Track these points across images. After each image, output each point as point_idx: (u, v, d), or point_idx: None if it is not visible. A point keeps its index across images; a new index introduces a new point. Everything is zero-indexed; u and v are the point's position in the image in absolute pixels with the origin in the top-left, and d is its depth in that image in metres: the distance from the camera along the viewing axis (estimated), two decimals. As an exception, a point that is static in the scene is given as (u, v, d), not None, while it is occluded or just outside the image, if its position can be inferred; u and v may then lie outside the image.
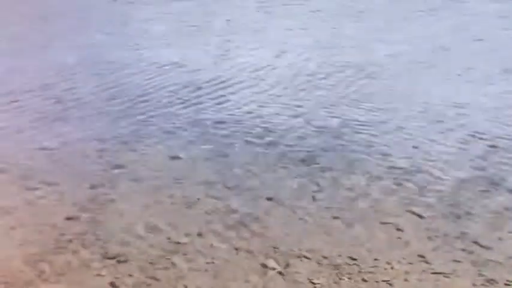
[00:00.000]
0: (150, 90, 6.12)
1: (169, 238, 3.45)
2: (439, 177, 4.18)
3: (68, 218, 3.65)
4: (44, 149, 4.69)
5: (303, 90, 6.07)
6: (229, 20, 9.32)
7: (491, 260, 3.24)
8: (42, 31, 8.86)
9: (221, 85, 6.24)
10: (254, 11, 9.99)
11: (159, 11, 10.03)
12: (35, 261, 3.21)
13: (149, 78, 6.51)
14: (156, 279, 3.06)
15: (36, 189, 4.02)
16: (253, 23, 9.10)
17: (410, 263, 3.21)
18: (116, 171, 4.28)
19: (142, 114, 5.43)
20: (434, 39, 7.92)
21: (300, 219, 3.66)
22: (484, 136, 4.85)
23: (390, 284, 3.03)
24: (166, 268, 3.16)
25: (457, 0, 10.31)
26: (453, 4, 10.11)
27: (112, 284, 3.02)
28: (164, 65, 7.00)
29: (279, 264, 3.20)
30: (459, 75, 6.47)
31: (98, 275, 3.10)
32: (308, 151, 4.62)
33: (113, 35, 8.52)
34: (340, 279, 3.08)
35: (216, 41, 8.08)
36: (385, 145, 4.71)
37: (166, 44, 8.02)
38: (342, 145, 4.73)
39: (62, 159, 4.49)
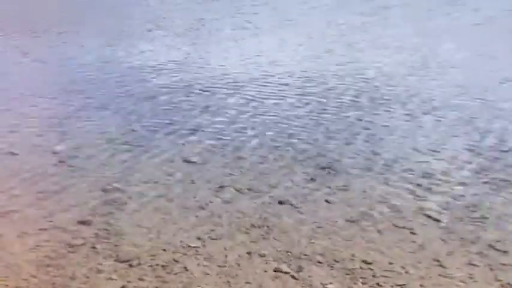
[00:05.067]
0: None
1: (181, 242, 3.42)
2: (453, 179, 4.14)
3: (80, 222, 3.63)
4: (56, 152, 4.67)
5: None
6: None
7: (507, 264, 3.19)
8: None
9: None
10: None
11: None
12: (47, 266, 3.19)
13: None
14: (168, 283, 3.03)
15: (48, 192, 4.01)
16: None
17: (425, 267, 3.16)
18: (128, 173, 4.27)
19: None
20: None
21: (313, 222, 3.62)
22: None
23: (405, 289, 2.99)
24: (178, 272, 3.13)
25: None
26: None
27: (123, 288, 3.00)
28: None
29: (291, 269, 3.16)
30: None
31: (110, 278, 3.08)
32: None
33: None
34: (354, 283, 3.04)
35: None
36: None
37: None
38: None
39: (73, 162, 4.48)
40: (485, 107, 5.58)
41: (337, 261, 3.22)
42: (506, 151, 4.59)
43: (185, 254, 3.29)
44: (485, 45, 7.82)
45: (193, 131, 5.11)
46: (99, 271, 3.14)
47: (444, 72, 6.74)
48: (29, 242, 3.42)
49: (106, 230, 3.55)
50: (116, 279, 3.07)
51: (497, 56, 7.32)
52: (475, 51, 7.58)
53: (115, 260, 3.24)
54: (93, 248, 3.36)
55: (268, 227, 3.58)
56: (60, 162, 4.49)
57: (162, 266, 3.18)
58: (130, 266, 3.18)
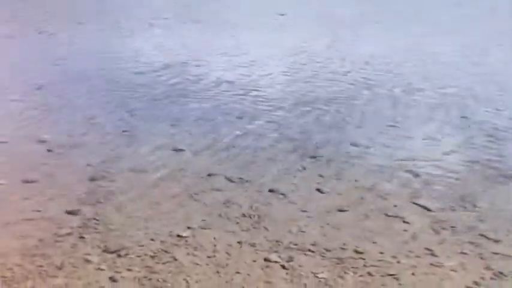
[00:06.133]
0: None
1: (170, 231, 3.37)
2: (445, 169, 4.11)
3: (68, 212, 3.58)
4: (43, 141, 4.61)
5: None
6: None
7: (499, 253, 3.17)
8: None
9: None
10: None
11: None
12: (33, 255, 3.13)
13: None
14: (157, 273, 2.98)
15: (35, 182, 3.94)
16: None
17: (417, 257, 3.13)
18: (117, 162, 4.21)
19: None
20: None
21: (303, 211, 3.59)
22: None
23: (397, 278, 2.95)
24: (167, 262, 3.08)
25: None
26: None
27: (112, 278, 2.94)
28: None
29: (282, 258, 3.12)
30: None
31: (98, 269, 3.02)
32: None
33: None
34: (345, 273, 3.00)
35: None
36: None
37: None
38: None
39: (61, 151, 4.42)
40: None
41: (328, 251, 3.18)
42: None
43: (174, 244, 3.25)
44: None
45: (183, 119, 5.06)
46: (87, 261, 3.09)
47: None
48: (16, 232, 3.35)
49: (94, 219, 3.49)
50: (104, 269, 3.01)
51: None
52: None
53: (103, 250, 3.18)
54: (81, 237, 3.30)
55: (258, 216, 3.54)
56: (48, 151, 4.43)
57: (151, 256, 3.13)
58: (119, 256, 3.13)
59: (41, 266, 3.04)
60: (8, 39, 8.14)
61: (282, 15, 9.74)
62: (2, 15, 9.92)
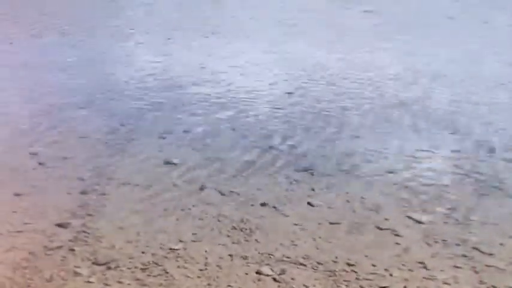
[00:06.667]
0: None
1: (161, 244, 3.35)
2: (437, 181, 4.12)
3: (58, 224, 3.55)
4: (34, 154, 4.58)
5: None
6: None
7: (492, 266, 3.16)
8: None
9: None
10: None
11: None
12: (23, 268, 3.10)
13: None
14: (147, 286, 2.96)
15: (26, 194, 3.92)
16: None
17: (409, 270, 3.12)
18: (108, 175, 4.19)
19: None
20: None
21: (295, 224, 3.57)
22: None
23: (389, 292, 2.95)
24: (158, 275, 3.06)
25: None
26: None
27: (101, 291, 2.92)
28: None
29: (274, 271, 3.10)
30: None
31: (88, 281, 3.00)
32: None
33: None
34: (337, 286, 2.99)
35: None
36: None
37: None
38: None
39: (52, 164, 4.39)
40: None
41: (320, 264, 3.17)
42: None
43: (165, 257, 3.22)
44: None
45: (173, 132, 5.04)
46: (77, 274, 3.06)
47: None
48: (5, 244, 3.32)
49: (84, 232, 3.46)
50: (93, 282, 2.99)
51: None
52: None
53: (93, 263, 3.16)
54: (71, 250, 3.27)
55: (250, 229, 3.52)
56: (39, 164, 4.40)
57: (141, 269, 3.11)
58: (109, 268, 3.11)
59: (30, 279, 3.01)
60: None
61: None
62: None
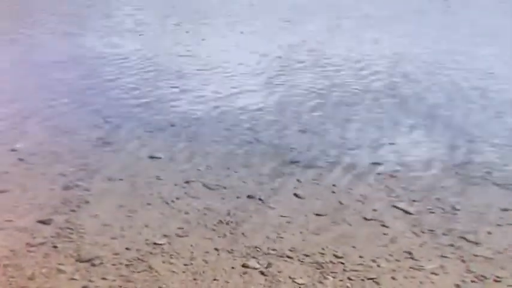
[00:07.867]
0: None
1: (146, 240, 3.29)
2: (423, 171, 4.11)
3: (40, 221, 3.48)
4: (15, 150, 4.50)
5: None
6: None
7: (479, 255, 3.15)
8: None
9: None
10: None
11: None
12: (5, 266, 3.04)
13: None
14: (132, 282, 2.91)
15: (7, 191, 3.84)
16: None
17: (397, 260, 3.10)
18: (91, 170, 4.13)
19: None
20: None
21: (282, 216, 3.54)
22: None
23: (377, 283, 2.92)
24: (142, 271, 3.01)
25: None
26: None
27: (85, 287, 2.86)
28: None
29: (260, 264, 3.07)
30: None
31: (71, 279, 2.94)
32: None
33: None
34: (324, 278, 2.96)
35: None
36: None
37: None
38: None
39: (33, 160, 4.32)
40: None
41: (307, 256, 3.14)
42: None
43: (150, 253, 3.17)
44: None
45: (160, 126, 4.99)
46: (60, 271, 3.00)
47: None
48: (-14, 242, 3.26)
49: (67, 228, 3.40)
50: (77, 279, 2.93)
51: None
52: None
53: (76, 260, 3.10)
54: (54, 247, 3.21)
55: (236, 222, 3.48)
56: (19, 160, 4.32)
57: (126, 265, 3.05)
58: (93, 265, 3.05)
59: (12, 277, 2.95)
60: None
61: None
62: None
